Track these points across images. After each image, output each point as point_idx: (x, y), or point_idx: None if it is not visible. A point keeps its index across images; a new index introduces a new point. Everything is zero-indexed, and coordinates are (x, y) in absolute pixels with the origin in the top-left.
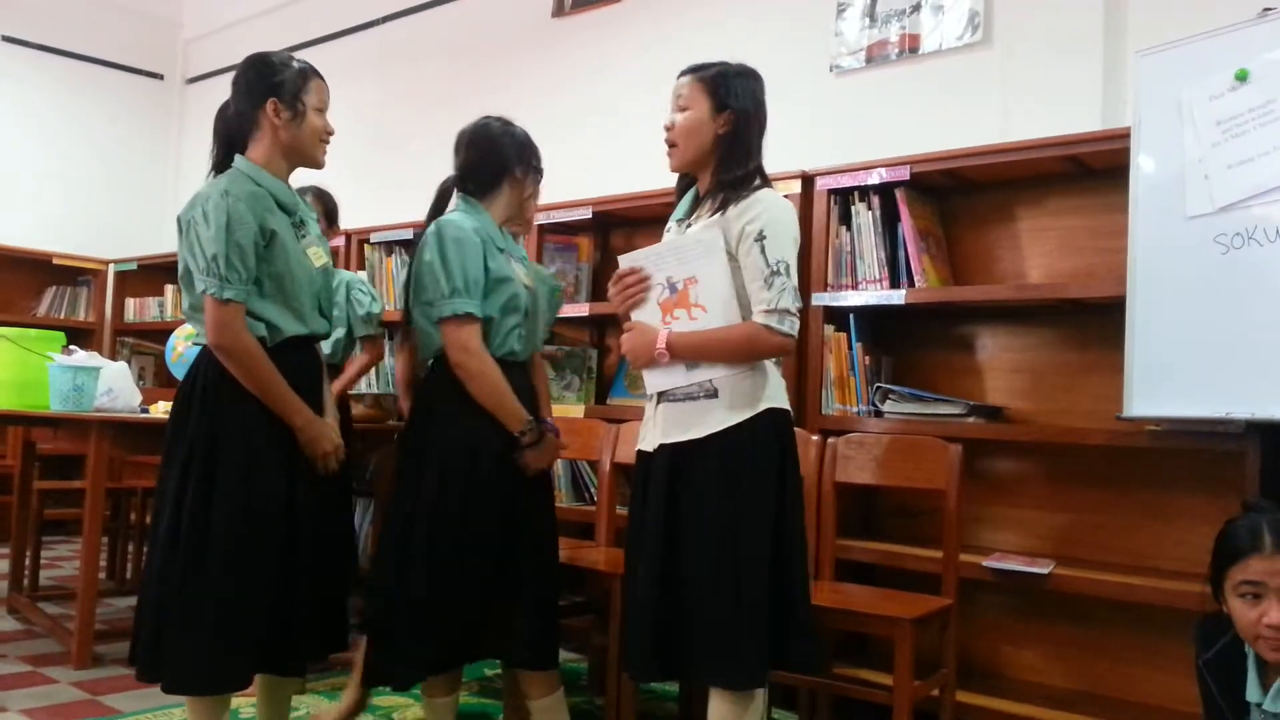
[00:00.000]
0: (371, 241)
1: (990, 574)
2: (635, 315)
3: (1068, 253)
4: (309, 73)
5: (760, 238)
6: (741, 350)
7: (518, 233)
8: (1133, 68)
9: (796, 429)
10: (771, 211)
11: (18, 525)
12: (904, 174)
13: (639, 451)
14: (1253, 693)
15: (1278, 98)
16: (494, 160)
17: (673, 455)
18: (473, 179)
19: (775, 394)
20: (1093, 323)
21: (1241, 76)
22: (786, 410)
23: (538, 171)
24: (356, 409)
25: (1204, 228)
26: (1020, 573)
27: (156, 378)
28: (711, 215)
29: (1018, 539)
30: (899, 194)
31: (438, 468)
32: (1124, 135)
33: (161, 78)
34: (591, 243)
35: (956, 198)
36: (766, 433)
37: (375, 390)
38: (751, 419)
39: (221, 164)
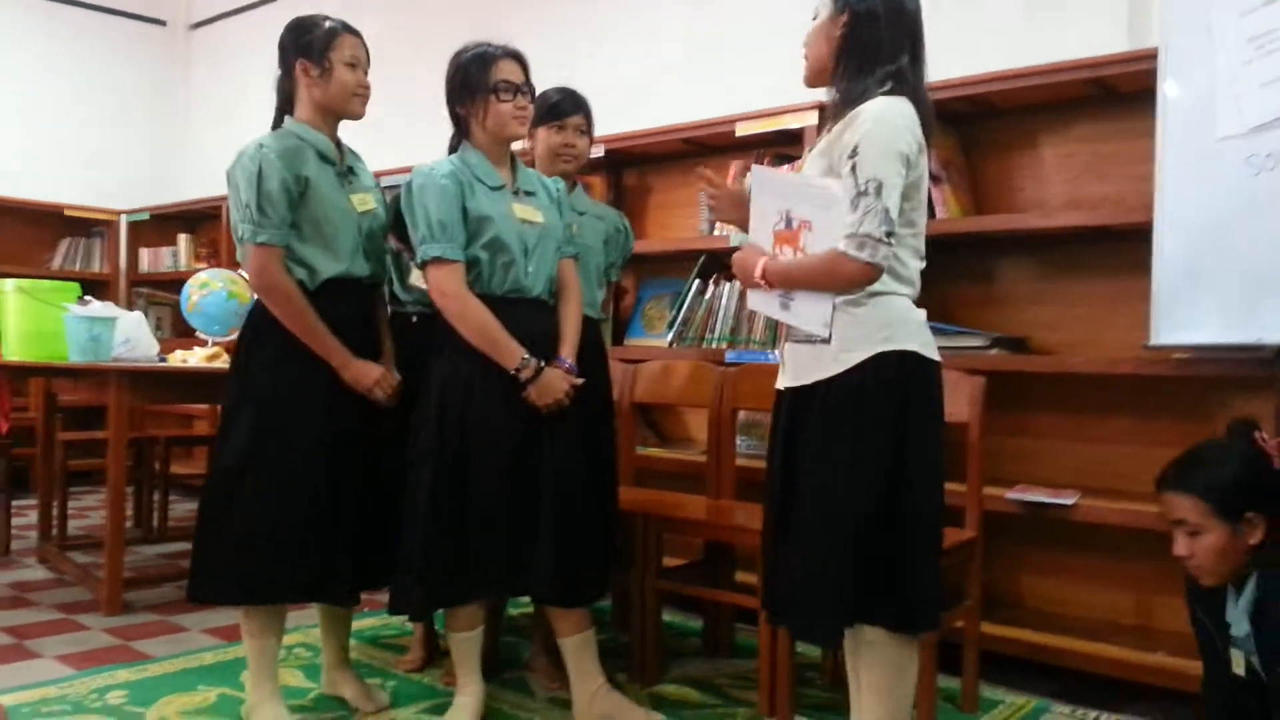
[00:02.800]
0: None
1: (1015, 506)
2: (751, 235)
3: (1093, 179)
4: (337, 30)
5: (853, 154)
6: (821, 278)
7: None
8: None
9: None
10: (869, 125)
11: (43, 476)
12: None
13: (775, 391)
14: (1229, 613)
15: None
16: (448, 100)
17: (792, 400)
18: (451, 120)
19: (899, 334)
20: (1119, 250)
21: None
22: (914, 352)
23: (493, 91)
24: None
25: (1235, 149)
26: (1045, 504)
27: (174, 328)
28: (823, 136)
29: (1042, 471)
30: None
31: (436, 407)
32: (1150, 56)
33: (164, 24)
34: (605, 182)
35: (978, 125)
36: (882, 378)
37: None
38: (864, 363)
39: (277, 124)
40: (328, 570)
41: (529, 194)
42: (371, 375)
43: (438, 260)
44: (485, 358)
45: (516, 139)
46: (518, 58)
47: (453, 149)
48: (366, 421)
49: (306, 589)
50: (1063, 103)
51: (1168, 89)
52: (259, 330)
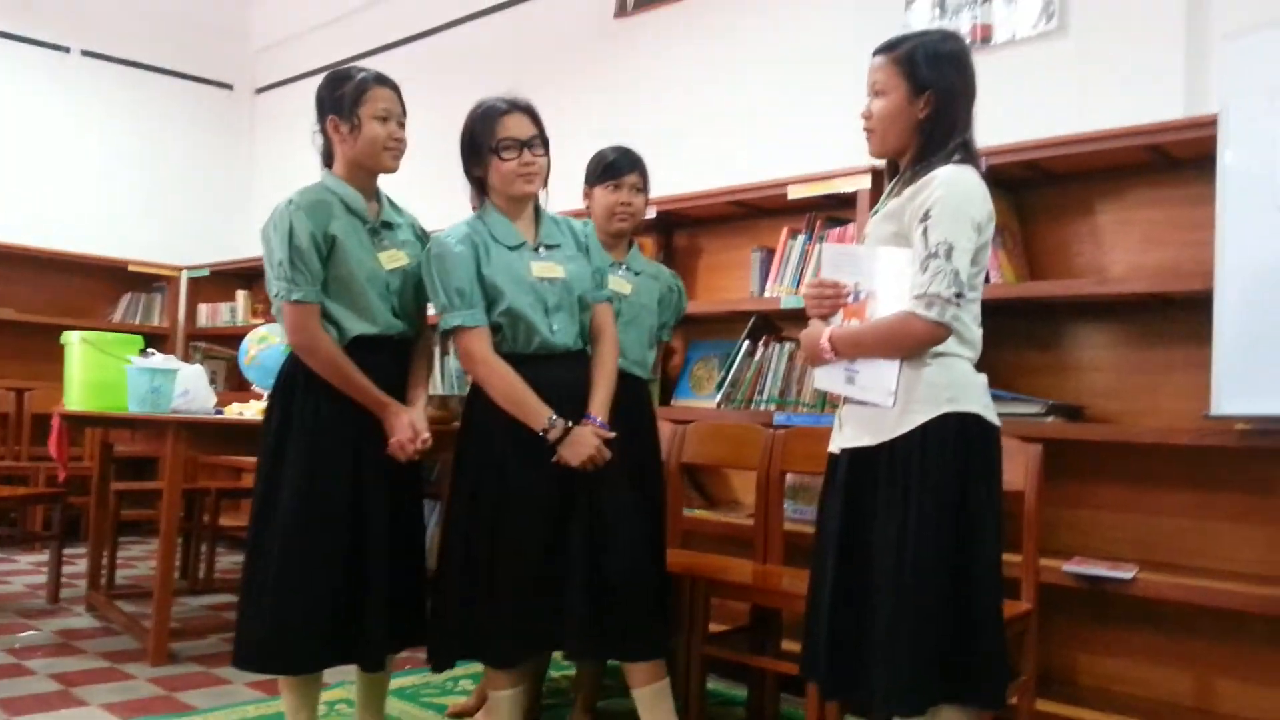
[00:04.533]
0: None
1: (1071, 579)
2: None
3: (1150, 246)
4: (369, 82)
5: (925, 218)
6: (891, 340)
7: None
8: (1219, 52)
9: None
10: (942, 190)
11: (96, 525)
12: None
13: (828, 454)
14: None
15: None
16: (463, 162)
17: (851, 461)
18: (469, 180)
19: (963, 396)
20: (1176, 318)
21: None
22: (977, 415)
23: (495, 151)
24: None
25: None
26: (1103, 577)
27: (228, 381)
28: (889, 201)
29: (1099, 543)
30: None
31: (472, 472)
32: (1209, 123)
33: (231, 88)
34: (656, 243)
35: (1033, 191)
36: (944, 440)
37: (441, 392)
38: (929, 423)
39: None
40: (361, 635)
41: (552, 247)
42: (404, 431)
43: (460, 328)
44: (518, 421)
45: (526, 196)
46: (526, 110)
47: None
48: (393, 479)
49: (342, 655)
50: (1119, 168)
51: (1228, 152)
52: (294, 390)
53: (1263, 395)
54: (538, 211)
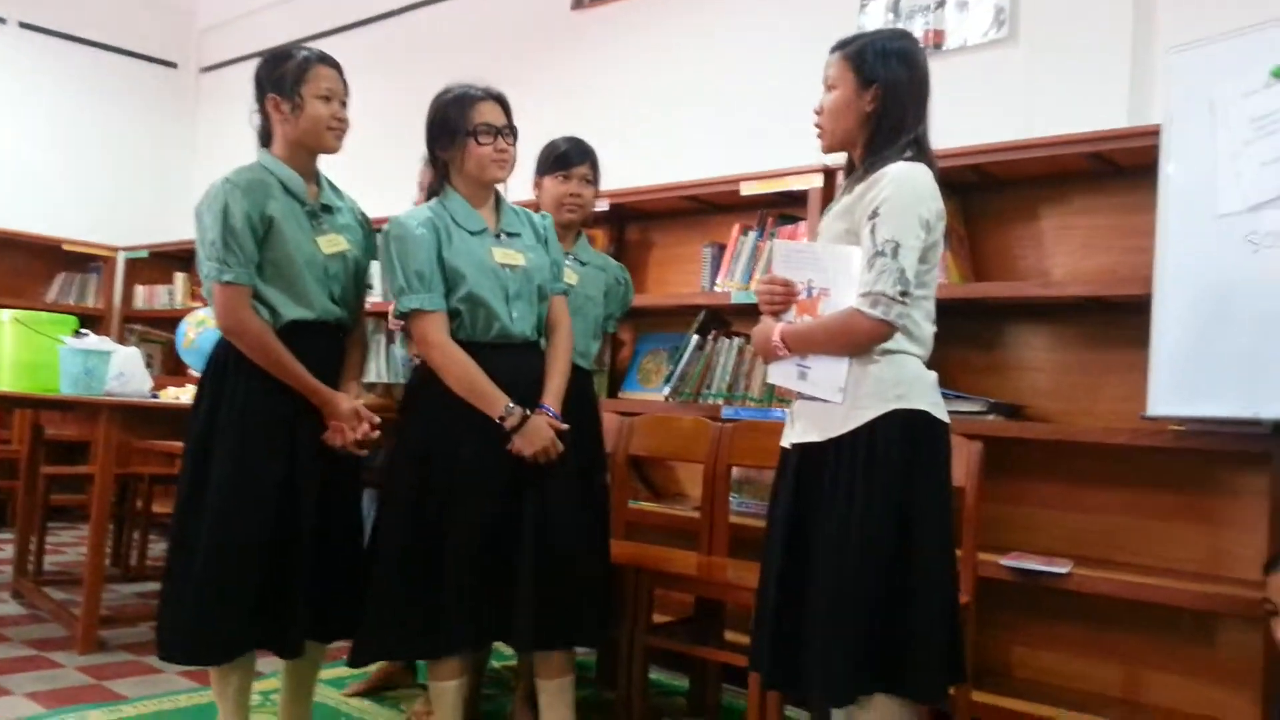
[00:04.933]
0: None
1: (1008, 573)
2: None
3: (1092, 251)
4: (311, 61)
5: (873, 216)
6: (839, 337)
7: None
8: (1163, 65)
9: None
10: (890, 188)
11: (25, 510)
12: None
13: (780, 448)
14: None
15: None
16: (428, 142)
17: (801, 456)
18: (431, 163)
19: (911, 393)
20: (1115, 322)
21: (1277, 73)
22: (925, 412)
23: (472, 134)
24: (367, 399)
25: (1235, 226)
26: (1038, 572)
27: (165, 365)
28: (842, 198)
29: (1036, 538)
30: None
31: (418, 460)
32: (1151, 133)
33: (176, 66)
34: (607, 236)
35: (980, 194)
36: (892, 437)
37: (386, 379)
38: (874, 421)
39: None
40: (287, 624)
41: (512, 235)
42: (349, 418)
43: (418, 312)
44: (471, 408)
45: (497, 182)
46: (499, 99)
47: (431, 193)
48: (327, 467)
49: (264, 642)
50: (1064, 175)
51: (1170, 162)
52: (224, 373)
53: (1198, 398)
54: (498, 199)
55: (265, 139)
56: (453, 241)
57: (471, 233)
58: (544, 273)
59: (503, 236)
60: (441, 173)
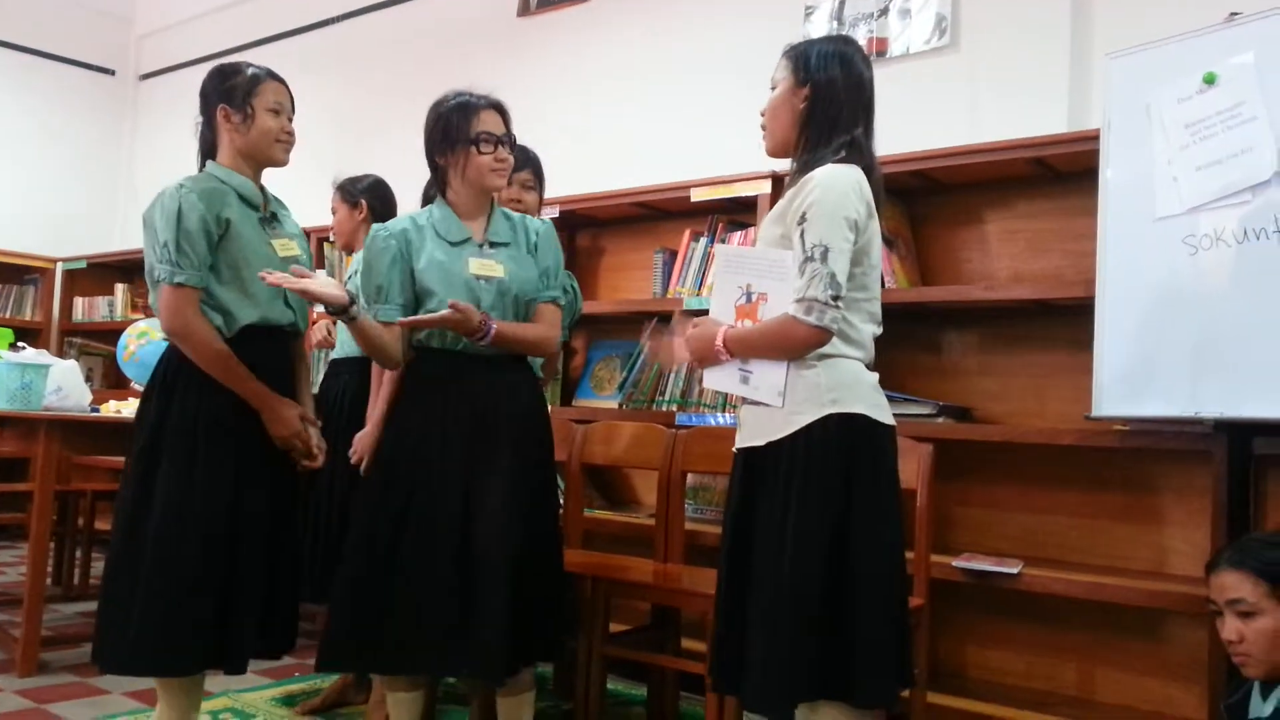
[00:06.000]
0: (331, 239)
1: (960, 574)
2: (714, 312)
3: (1036, 254)
4: (261, 76)
5: (802, 220)
6: (776, 343)
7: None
8: (1101, 71)
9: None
10: (817, 192)
11: None
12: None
13: (733, 451)
14: (1254, 709)
15: (1245, 101)
16: (427, 149)
17: (745, 461)
18: (430, 169)
19: (847, 397)
20: (1061, 324)
21: (1210, 80)
22: (862, 415)
23: (473, 142)
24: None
25: (1173, 229)
26: (989, 572)
27: (105, 378)
28: (779, 202)
29: (988, 540)
30: None
31: (385, 463)
32: (1091, 137)
33: (114, 73)
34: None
35: (925, 199)
36: (830, 440)
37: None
38: (810, 425)
39: (201, 170)
40: (229, 639)
41: (498, 245)
42: (285, 429)
43: (387, 325)
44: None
45: (495, 190)
46: (499, 108)
47: (428, 199)
48: (275, 480)
49: (215, 657)
50: (1006, 179)
51: (1110, 166)
52: (171, 385)
53: (1141, 398)
54: (493, 207)
55: (209, 150)
56: (424, 254)
57: (452, 243)
58: (526, 284)
59: (486, 247)
60: (440, 179)
